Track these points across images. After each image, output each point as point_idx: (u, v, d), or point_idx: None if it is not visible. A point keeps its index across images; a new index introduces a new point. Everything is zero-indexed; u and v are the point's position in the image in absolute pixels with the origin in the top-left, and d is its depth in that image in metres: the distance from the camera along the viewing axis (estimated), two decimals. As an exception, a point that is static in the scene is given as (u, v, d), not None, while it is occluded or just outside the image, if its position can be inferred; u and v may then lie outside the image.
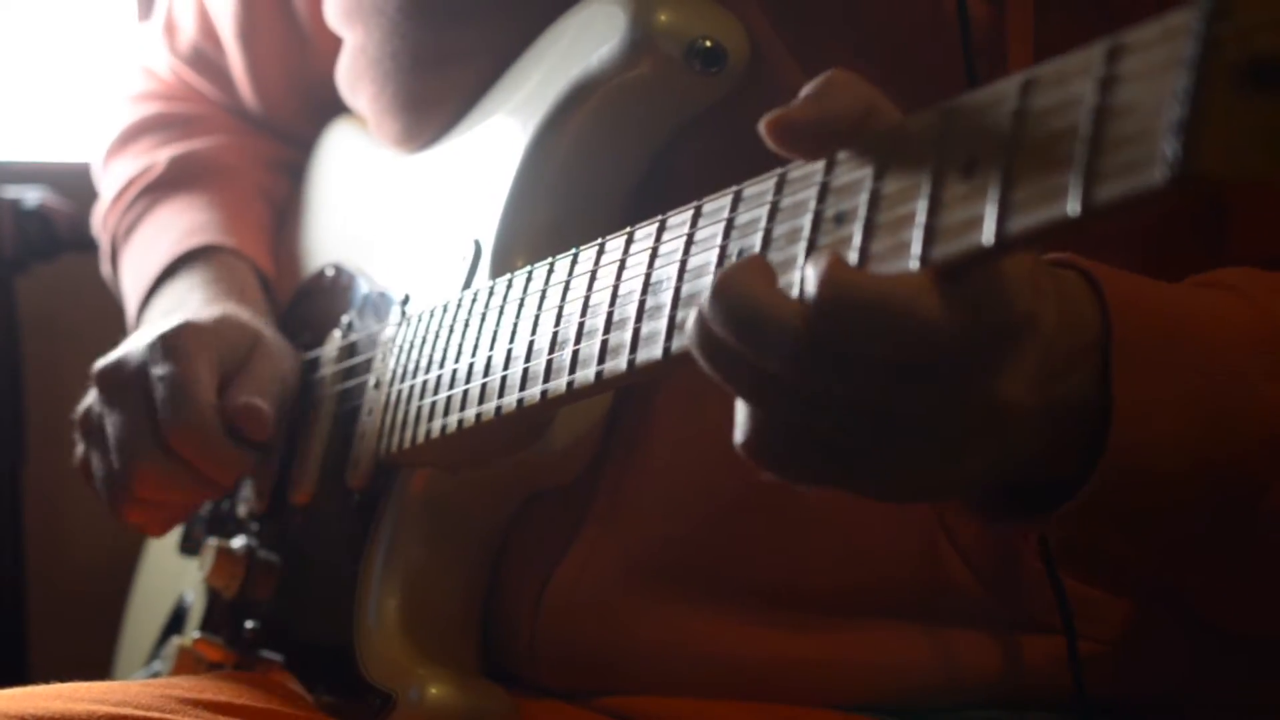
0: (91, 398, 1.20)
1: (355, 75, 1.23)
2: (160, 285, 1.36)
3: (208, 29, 1.46)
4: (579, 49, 1.03)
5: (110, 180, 1.49)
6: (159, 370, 1.15)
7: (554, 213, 1.05)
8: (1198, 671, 1.01)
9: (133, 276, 1.41)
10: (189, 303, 1.28)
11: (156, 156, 1.45)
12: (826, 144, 0.72)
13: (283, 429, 1.21)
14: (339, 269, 1.28)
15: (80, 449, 1.22)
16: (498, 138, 1.09)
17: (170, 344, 1.16)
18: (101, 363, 1.19)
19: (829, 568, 1.01)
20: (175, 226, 1.39)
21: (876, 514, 1.00)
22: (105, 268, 1.49)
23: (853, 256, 0.69)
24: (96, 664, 1.53)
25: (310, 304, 1.29)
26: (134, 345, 1.18)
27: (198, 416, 1.13)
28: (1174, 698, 1.02)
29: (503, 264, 1.05)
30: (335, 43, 1.29)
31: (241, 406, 1.16)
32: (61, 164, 2.07)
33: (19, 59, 2.24)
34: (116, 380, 1.17)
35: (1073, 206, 0.58)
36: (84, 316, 1.68)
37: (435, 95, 1.16)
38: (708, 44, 0.98)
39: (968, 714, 1.02)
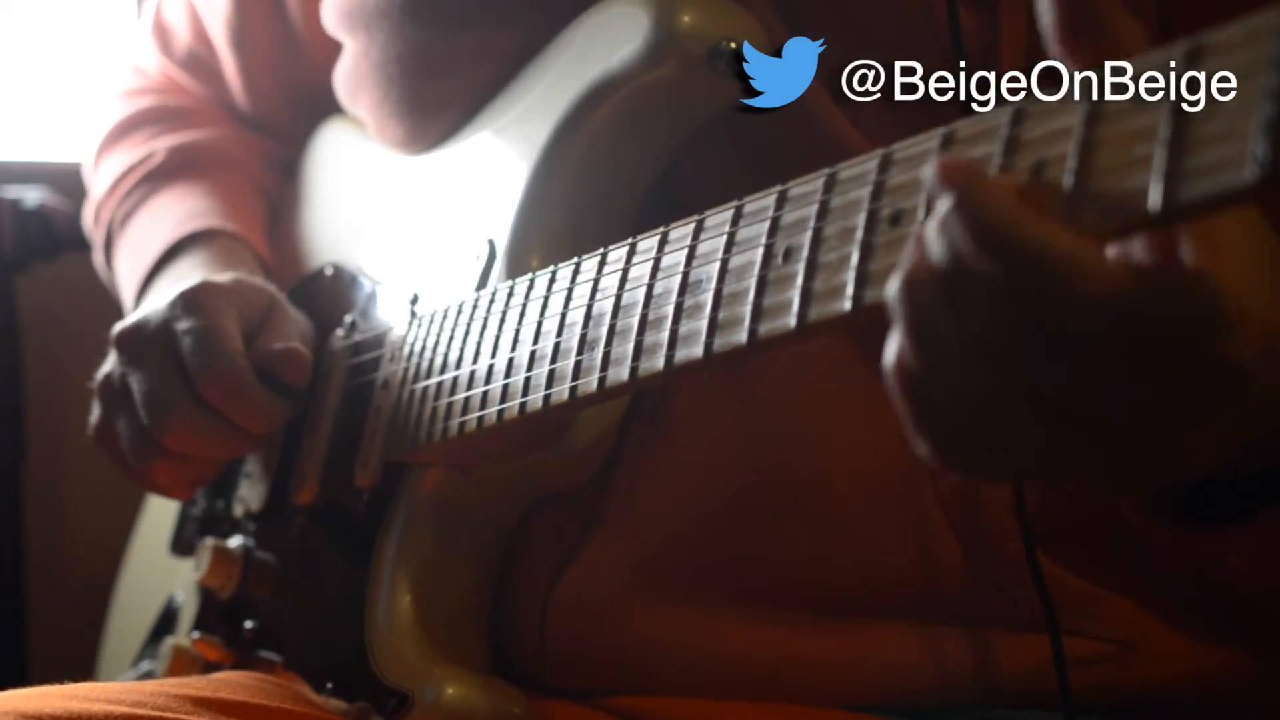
0: (111, 363, 1.18)
1: (357, 80, 1.22)
2: (161, 267, 1.34)
3: (199, 31, 1.44)
4: (598, 50, 1.03)
5: (104, 173, 1.47)
6: (184, 324, 1.13)
7: (569, 213, 1.05)
8: (1212, 676, 1.02)
9: (130, 260, 1.39)
10: (194, 276, 1.25)
11: (155, 145, 1.43)
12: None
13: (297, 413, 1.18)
14: (338, 268, 1.27)
15: (97, 415, 1.19)
16: (512, 138, 1.08)
17: (192, 299, 1.15)
18: (121, 325, 1.17)
19: (836, 569, 1.01)
20: (176, 211, 1.37)
21: (881, 515, 1.01)
22: (98, 257, 1.47)
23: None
24: (96, 663, 1.52)
25: (307, 303, 1.28)
26: (153, 306, 1.17)
27: (228, 363, 1.12)
28: (1175, 699, 1.03)
29: (518, 264, 1.05)
30: (328, 45, 1.28)
31: (279, 351, 1.15)
32: (61, 164, 2.06)
33: (18, 59, 2.22)
34: (139, 339, 1.15)
35: (1153, 204, 0.58)
36: (84, 316, 1.66)
37: (440, 99, 1.15)
38: (731, 45, 0.98)
39: (971, 714, 1.02)
